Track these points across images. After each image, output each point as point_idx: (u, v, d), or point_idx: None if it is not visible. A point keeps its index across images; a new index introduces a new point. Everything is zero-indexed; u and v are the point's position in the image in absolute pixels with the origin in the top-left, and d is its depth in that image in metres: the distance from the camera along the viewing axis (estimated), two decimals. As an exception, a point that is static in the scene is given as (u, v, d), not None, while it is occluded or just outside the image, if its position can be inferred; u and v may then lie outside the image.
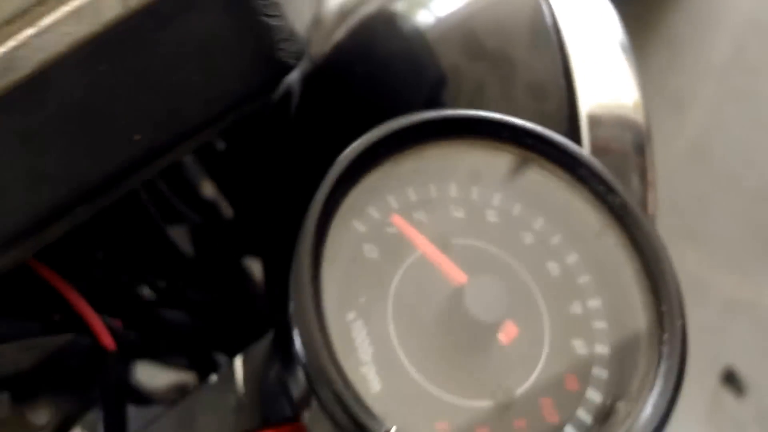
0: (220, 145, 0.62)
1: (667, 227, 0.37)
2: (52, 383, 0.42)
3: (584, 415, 0.35)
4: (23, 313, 0.42)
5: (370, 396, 0.31)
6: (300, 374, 0.30)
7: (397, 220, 0.36)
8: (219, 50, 0.28)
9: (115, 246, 0.50)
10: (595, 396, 0.35)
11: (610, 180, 0.37)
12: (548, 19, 0.48)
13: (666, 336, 0.34)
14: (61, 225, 0.32)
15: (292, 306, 0.30)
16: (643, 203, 0.48)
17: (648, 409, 0.32)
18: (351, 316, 0.33)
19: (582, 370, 0.36)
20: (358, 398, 0.29)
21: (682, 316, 0.35)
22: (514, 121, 0.37)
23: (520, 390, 0.34)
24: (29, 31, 0.26)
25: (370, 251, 0.35)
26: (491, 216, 0.38)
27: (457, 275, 0.35)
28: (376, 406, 0.30)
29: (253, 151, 0.62)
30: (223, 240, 0.64)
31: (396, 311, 0.34)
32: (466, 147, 0.38)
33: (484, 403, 0.34)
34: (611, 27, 0.50)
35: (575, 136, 0.46)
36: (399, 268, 0.35)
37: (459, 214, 0.38)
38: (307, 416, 0.32)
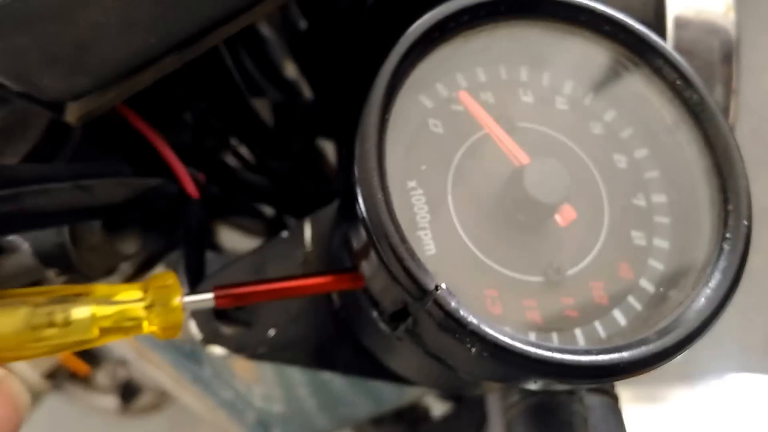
0: (302, 25, 0.63)
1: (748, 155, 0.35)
2: (141, 220, 0.46)
3: (634, 302, 0.36)
4: (119, 156, 0.46)
5: (424, 257, 0.33)
6: (361, 229, 0.32)
7: (464, 97, 0.37)
8: None
9: (203, 111, 0.54)
10: (648, 286, 0.36)
11: (689, 74, 0.36)
12: None
13: (729, 234, 0.34)
14: (152, 72, 0.35)
15: (356, 167, 0.32)
16: (725, 111, 0.46)
17: (701, 301, 0.33)
18: (412, 183, 0.35)
19: (638, 261, 0.37)
20: (412, 253, 0.31)
21: (749, 217, 0.35)
22: (590, 4, 0.36)
23: (572, 271, 0.36)
24: None
25: (435, 126, 0.36)
26: (561, 103, 0.38)
27: (519, 155, 0.36)
28: (430, 266, 0.32)
29: (334, 33, 0.63)
30: (301, 119, 0.66)
31: (455, 185, 0.36)
32: (539, 30, 0.38)
33: (534, 278, 0.35)
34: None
35: (660, 34, 0.45)
36: (462, 144, 0.37)
37: (527, 98, 0.38)
38: (365, 267, 0.34)
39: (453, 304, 0.30)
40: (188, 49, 0.34)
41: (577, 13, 0.37)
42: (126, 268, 0.52)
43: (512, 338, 0.30)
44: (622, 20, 0.37)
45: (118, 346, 0.82)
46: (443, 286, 0.31)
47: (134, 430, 1.59)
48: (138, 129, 0.43)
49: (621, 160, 0.38)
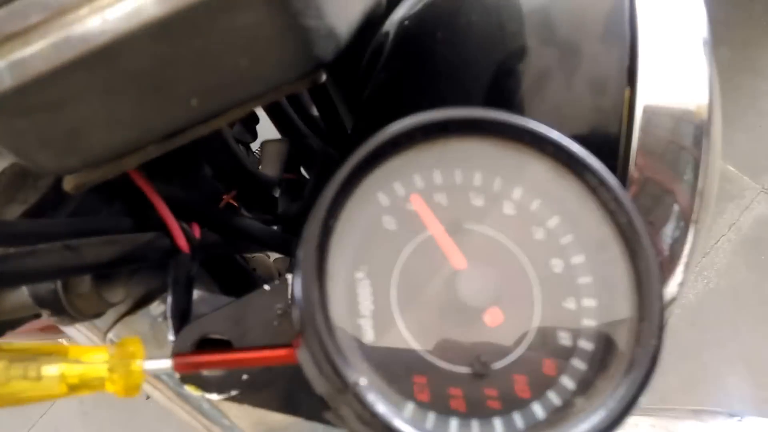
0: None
1: None
2: (130, 271, 0.52)
3: (554, 397, 0.40)
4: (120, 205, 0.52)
5: (360, 344, 0.38)
6: (295, 312, 0.36)
7: (416, 200, 0.41)
8: (262, 41, 0.34)
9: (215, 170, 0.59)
10: (568, 383, 0.40)
11: (621, 196, 0.40)
12: (626, 14, 0.49)
13: (639, 350, 0.38)
14: (135, 158, 0.40)
15: (300, 251, 0.36)
16: (691, 202, 0.49)
17: (600, 412, 0.37)
18: (360, 275, 0.40)
19: (562, 359, 0.40)
20: (338, 348, 0.35)
21: (658, 337, 0.38)
22: (533, 127, 0.40)
23: (498, 365, 0.40)
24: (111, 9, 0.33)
25: (389, 223, 0.41)
26: (508, 208, 0.42)
27: (457, 260, 0.40)
28: (365, 353, 0.37)
29: (351, 87, 0.68)
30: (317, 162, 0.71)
31: (400, 279, 0.40)
32: (488, 145, 0.42)
33: (462, 370, 0.39)
34: (695, 23, 0.50)
35: (629, 132, 0.48)
36: (411, 242, 0.41)
37: (478, 201, 0.42)
38: (299, 350, 0.39)
39: (369, 398, 0.35)
40: (168, 141, 0.39)
41: (522, 134, 0.41)
42: (121, 308, 0.58)
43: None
44: (562, 143, 0.40)
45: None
46: (362, 381, 0.35)
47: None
48: (137, 184, 0.49)
49: (557, 265, 0.42)
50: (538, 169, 0.42)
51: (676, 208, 0.50)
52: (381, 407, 0.35)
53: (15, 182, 0.51)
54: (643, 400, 0.38)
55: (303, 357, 0.38)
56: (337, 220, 0.39)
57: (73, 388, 0.38)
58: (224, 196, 0.67)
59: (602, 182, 0.40)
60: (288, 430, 0.68)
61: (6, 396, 0.37)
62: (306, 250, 0.37)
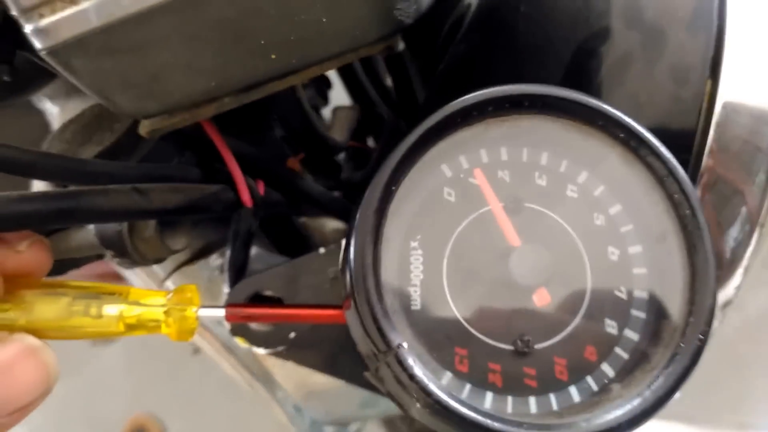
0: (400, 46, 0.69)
1: None
2: (193, 221, 0.54)
3: (592, 383, 0.40)
4: (191, 156, 0.54)
5: (408, 311, 0.39)
6: (348, 279, 0.38)
7: (478, 174, 0.42)
8: (345, 2, 0.34)
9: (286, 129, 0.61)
10: (608, 371, 0.40)
11: (688, 190, 0.40)
12: (715, 3, 0.47)
13: (683, 344, 0.38)
14: (211, 108, 0.42)
15: (354, 230, 0.38)
16: (760, 205, 0.48)
17: (636, 401, 0.38)
18: (414, 243, 0.41)
19: (605, 347, 0.40)
20: (386, 312, 0.37)
21: (705, 332, 0.38)
22: (606, 109, 0.40)
23: (540, 345, 0.40)
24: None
25: (449, 194, 0.42)
26: (571, 191, 0.42)
27: (512, 238, 0.40)
28: (411, 320, 0.39)
29: (428, 59, 0.68)
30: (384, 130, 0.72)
31: (453, 251, 0.41)
32: (559, 126, 0.42)
33: (504, 346, 0.40)
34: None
35: (706, 126, 0.47)
36: (469, 215, 0.42)
37: (542, 181, 0.42)
38: (347, 311, 0.40)
39: (410, 361, 0.36)
40: (244, 94, 0.40)
41: (595, 116, 0.41)
42: (180, 257, 0.61)
43: (452, 400, 0.36)
44: (636, 128, 0.40)
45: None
46: (405, 345, 0.36)
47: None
48: (209, 136, 0.50)
49: (614, 253, 0.42)
50: (607, 154, 0.42)
51: (744, 209, 0.49)
52: (419, 371, 0.37)
53: (92, 124, 0.54)
54: (679, 396, 0.38)
55: (350, 317, 0.39)
56: (398, 186, 0.40)
57: (131, 328, 0.41)
58: (291, 159, 0.68)
59: (671, 172, 0.40)
60: (328, 393, 0.70)
61: (67, 329, 0.40)
62: (364, 213, 0.38)
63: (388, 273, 0.39)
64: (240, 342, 0.51)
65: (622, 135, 0.41)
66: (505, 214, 0.41)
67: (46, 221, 0.41)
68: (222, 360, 0.74)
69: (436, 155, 0.42)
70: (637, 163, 0.41)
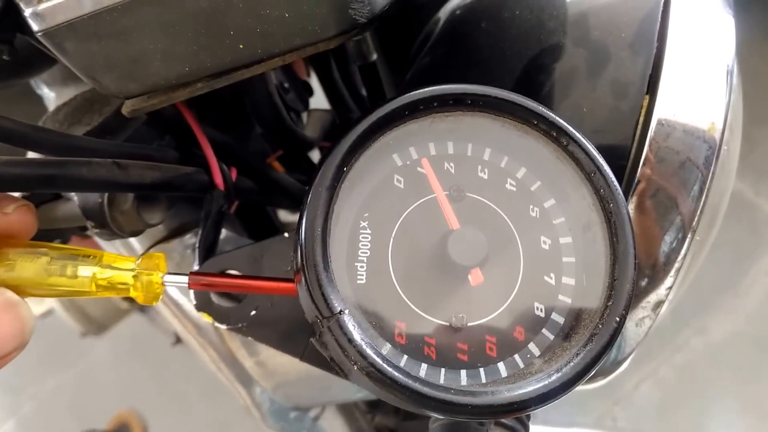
0: (373, 57, 0.74)
1: None
2: (169, 200, 0.58)
3: (518, 361, 0.43)
4: (171, 141, 0.58)
5: (354, 284, 0.42)
6: (298, 251, 0.41)
7: (426, 164, 0.45)
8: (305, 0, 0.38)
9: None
10: (534, 350, 0.44)
11: (612, 184, 0.43)
12: (657, 26, 0.52)
13: (601, 326, 0.42)
14: (187, 91, 0.45)
15: (306, 203, 0.41)
16: (693, 213, 0.52)
17: (552, 377, 0.41)
18: (364, 223, 0.44)
19: (533, 328, 0.44)
20: (331, 280, 0.40)
21: (622, 316, 0.42)
22: (542, 111, 0.44)
23: (473, 323, 0.44)
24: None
25: (399, 181, 0.45)
26: (510, 185, 0.46)
27: (453, 222, 0.44)
28: (357, 293, 0.42)
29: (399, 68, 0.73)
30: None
31: (399, 233, 0.45)
32: (500, 124, 0.46)
33: (440, 321, 0.44)
34: (723, 48, 0.52)
35: (642, 137, 0.51)
36: (415, 201, 0.45)
37: (483, 175, 0.46)
38: (298, 282, 0.43)
39: (350, 326, 0.40)
40: (215, 80, 0.44)
41: (530, 116, 0.45)
42: (157, 233, 0.64)
43: (387, 364, 0.38)
44: (566, 127, 0.44)
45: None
46: (346, 311, 0.39)
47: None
48: (189, 124, 0.54)
49: (546, 242, 0.45)
50: (542, 151, 0.46)
51: (678, 218, 0.53)
52: (358, 336, 0.40)
53: (83, 107, 0.58)
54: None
55: (301, 289, 0.42)
56: (350, 168, 0.44)
57: (102, 289, 0.44)
58: (271, 155, 0.72)
59: (598, 169, 0.44)
60: (292, 381, 0.73)
61: (44, 287, 0.43)
62: (316, 189, 0.41)
63: (337, 248, 0.43)
64: (204, 317, 0.54)
65: (554, 133, 0.45)
66: (448, 201, 0.45)
67: (32, 185, 0.44)
68: (203, 353, 0.77)
69: (387, 144, 0.46)
70: (568, 160, 0.45)
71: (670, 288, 0.54)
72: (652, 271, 0.53)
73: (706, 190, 0.52)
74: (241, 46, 0.41)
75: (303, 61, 0.86)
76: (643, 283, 0.53)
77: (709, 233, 0.61)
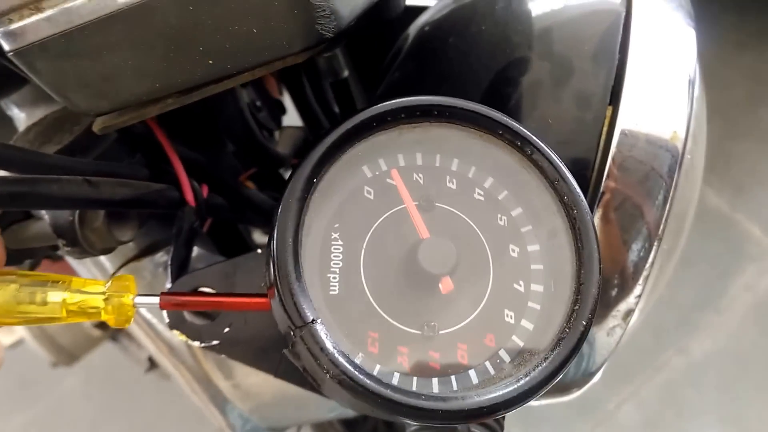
0: (344, 74, 0.75)
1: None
2: (140, 218, 0.58)
3: (489, 367, 0.44)
4: (142, 159, 0.59)
5: (326, 295, 0.43)
6: (271, 263, 0.41)
7: (395, 175, 0.46)
8: (272, 15, 0.40)
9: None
10: (504, 356, 0.45)
11: (575, 193, 0.45)
12: (618, 38, 0.54)
13: (568, 329, 0.42)
14: (157, 107, 0.46)
15: (277, 215, 0.42)
16: (658, 221, 0.53)
17: (522, 381, 0.42)
18: (335, 234, 0.45)
19: (503, 335, 0.45)
20: (303, 290, 0.41)
21: (589, 320, 0.43)
22: (507, 121, 0.45)
23: (445, 331, 0.44)
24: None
25: (369, 192, 0.46)
26: (478, 194, 0.47)
27: (423, 231, 0.45)
28: (329, 304, 0.43)
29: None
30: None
31: (370, 243, 0.46)
32: (466, 134, 0.48)
33: (412, 330, 0.45)
34: (684, 59, 0.54)
35: (606, 147, 0.52)
36: (385, 212, 0.46)
37: (452, 185, 0.47)
38: (271, 295, 0.44)
39: (322, 335, 0.40)
40: (186, 95, 0.45)
41: (495, 126, 0.46)
42: (128, 251, 0.65)
43: (359, 372, 0.39)
44: (529, 137, 0.46)
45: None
46: (319, 320, 0.40)
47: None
48: (159, 141, 0.55)
49: (515, 250, 0.46)
50: (508, 161, 0.47)
51: (645, 228, 0.54)
52: (330, 344, 0.40)
53: (53, 126, 0.58)
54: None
55: (274, 302, 0.43)
56: (320, 180, 0.45)
57: (72, 314, 0.44)
58: (243, 174, 0.73)
59: (561, 177, 0.46)
60: (267, 400, 0.73)
61: (15, 315, 0.43)
62: (287, 201, 0.42)
63: (309, 259, 0.44)
64: (177, 335, 0.55)
65: (518, 143, 0.46)
66: (418, 211, 0.46)
67: (2, 202, 0.44)
68: (176, 374, 0.77)
69: (356, 155, 0.47)
70: (532, 168, 0.47)
71: (639, 296, 0.56)
72: (621, 280, 0.54)
73: (670, 198, 0.54)
74: (210, 62, 0.42)
75: (275, 80, 0.87)
76: (613, 293, 0.55)
77: (677, 241, 0.63)
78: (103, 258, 0.67)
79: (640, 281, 0.55)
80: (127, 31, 0.41)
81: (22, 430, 2.44)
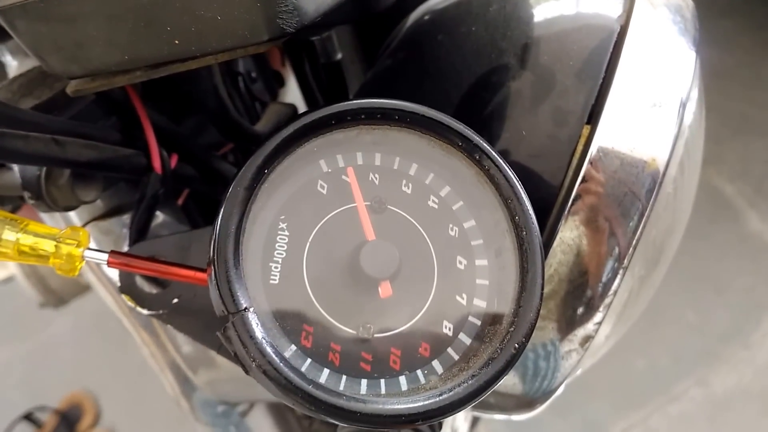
0: (337, 56, 0.79)
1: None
2: (108, 179, 0.62)
3: (420, 376, 0.47)
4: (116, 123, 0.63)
5: (266, 284, 0.46)
6: (211, 245, 0.45)
7: (351, 173, 0.49)
8: (236, 3, 0.43)
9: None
10: (437, 367, 0.48)
11: (526, 211, 0.48)
12: (607, 57, 0.56)
13: (500, 349, 0.46)
14: (126, 78, 0.50)
15: (224, 201, 0.45)
16: (626, 247, 0.55)
17: (452, 392, 0.45)
18: (283, 225, 0.48)
19: (439, 346, 0.48)
20: (240, 277, 0.44)
21: (522, 342, 0.46)
22: (465, 131, 0.48)
23: (380, 335, 0.48)
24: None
25: (322, 187, 0.49)
26: (432, 202, 0.50)
27: (368, 232, 0.48)
28: (268, 293, 0.46)
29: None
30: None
31: (316, 237, 0.49)
32: (425, 142, 0.50)
33: (348, 330, 0.47)
34: (678, 84, 0.56)
35: (578, 166, 0.55)
36: (336, 208, 0.49)
37: (407, 189, 0.50)
38: (209, 273, 0.47)
39: (253, 324, 0.44)
40: (152, 70, 0.49)
41: (454, 137, 0.49)
42: (96, 210, 0.69)
43: (284, 365, 0.43)
44: (489, 151, 0.48)
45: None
46: (251, 309, 0.44)
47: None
48: (134, 106, 0.59)
49: (462, 262, 0.49)
50: (465, 172, 0.50)
51: (616, 249, 0.56)
52: (259, 334, 0.44)
53: (37, 80, 0.62)
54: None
55: (210, 282, 0.47)
56: (272, 170, 0.48)
57: (22, 254, 0.48)
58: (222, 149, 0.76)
59: (516, 196, 0.48)
60: (221, 376, 0.77)
61: None
62: (235, 188, 0.46)
63: (253, 246, 0.47)
64: (126, 300, 0.59)
65: (477, 156, 0.49)
66: (368, 212, 0.49)
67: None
68: (135, 335, 0.81)
69: (312, 150, 0.49)
70: (488, 183, 0.49)
71: (600, 323, 0.58)
72: (580, 304, 0.57)
73: (642, 225, 0.56)
74: (176, 42, 0.46)
75: (279, 51, 0.90)
76: (571, 316, 0.57)
77: (653, 272, 0.65)
78: (72, 214, 0.72)
79: (601, 308, 0.58)
80: (100, 3, 0.45)
81: (6, 365, 2.55)
